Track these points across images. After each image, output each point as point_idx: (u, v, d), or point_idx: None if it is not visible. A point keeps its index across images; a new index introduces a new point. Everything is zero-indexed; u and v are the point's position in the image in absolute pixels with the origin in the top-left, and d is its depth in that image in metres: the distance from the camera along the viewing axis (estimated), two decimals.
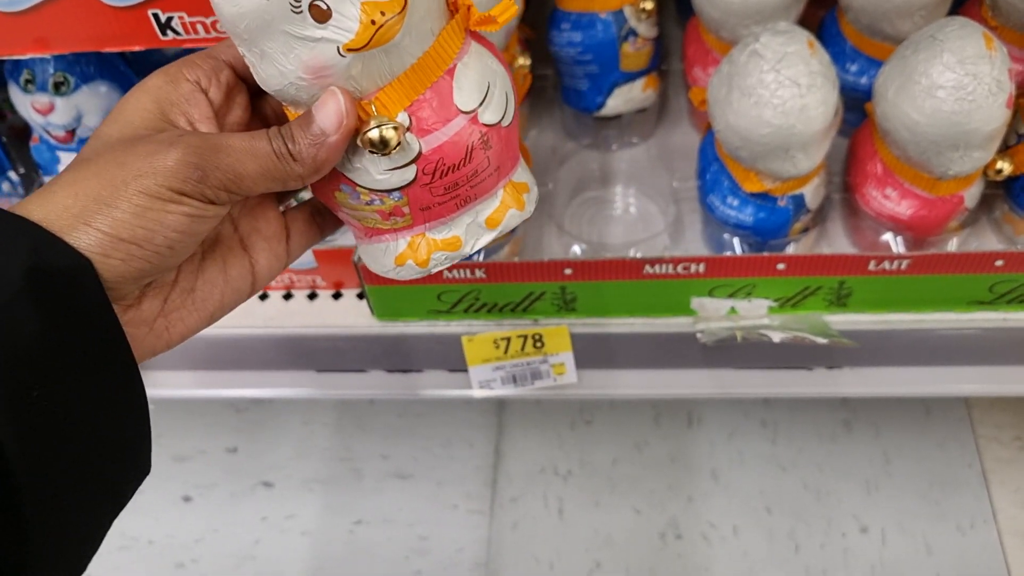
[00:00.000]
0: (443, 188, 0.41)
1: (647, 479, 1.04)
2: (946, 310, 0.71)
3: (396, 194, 0.41)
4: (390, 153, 0.39)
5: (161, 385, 0.81)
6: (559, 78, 0.81)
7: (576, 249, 0.74)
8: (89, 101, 0.71)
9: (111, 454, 0.36)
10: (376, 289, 0.71)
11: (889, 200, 0.68)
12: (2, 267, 0.32)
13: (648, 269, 0.68)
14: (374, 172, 0.40)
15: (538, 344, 0.73)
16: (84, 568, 0.36)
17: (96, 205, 0.35)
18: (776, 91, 0.60)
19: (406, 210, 0.42)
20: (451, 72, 0.40)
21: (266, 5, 0.35)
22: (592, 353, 0.74)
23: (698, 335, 0.69)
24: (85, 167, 0.36)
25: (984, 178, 0.68)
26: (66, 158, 0.74)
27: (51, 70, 0.69)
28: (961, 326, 0.71)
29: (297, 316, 0.76)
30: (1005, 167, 0.66)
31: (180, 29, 0.54)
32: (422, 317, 0.74)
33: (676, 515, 1.01)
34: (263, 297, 0.78)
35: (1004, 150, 0.68)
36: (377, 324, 0.74)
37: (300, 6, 0.35)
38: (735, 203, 0.68)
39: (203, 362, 0.81)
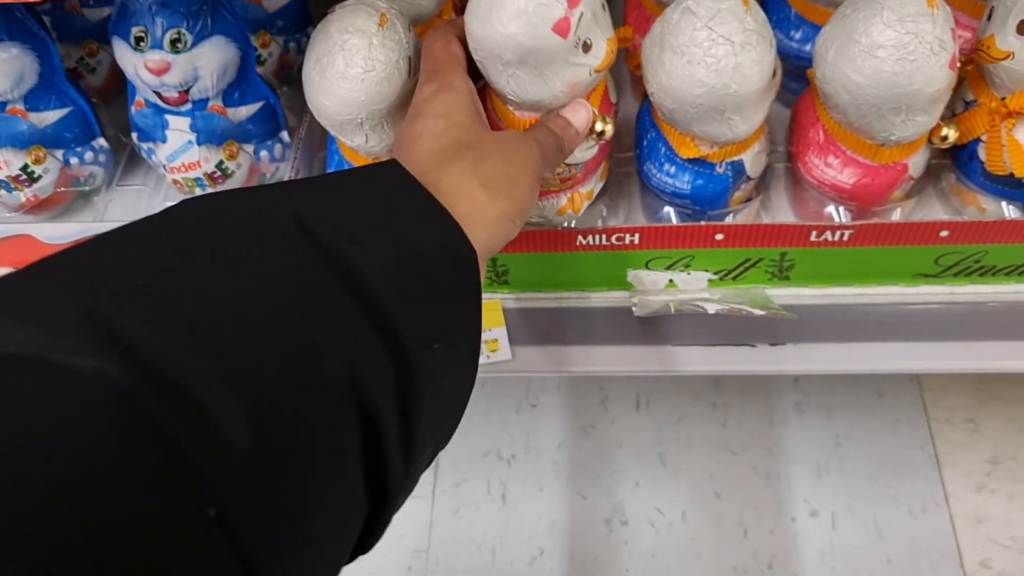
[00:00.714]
0: (601, 157, 0.64)
1: (593, 464, 1.01)
2: (891, 283, 0.69)
3: (579, 165, 0.62)
4: (602, 139, 0.60)
5: None
6: None
7: None
8: (206, 58, 0.65)
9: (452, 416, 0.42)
10: None
11: (831, 168, 0.65)
12: (427, 243, 0.40)
13: (581, 240, 0.65)
14: (577, 152, 0.60)
15: None
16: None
17: (508, 182, 0.47)
18: (709, 49, 0.57)
19: (579, 175, 0.63)
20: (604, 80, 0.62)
21: (564, 43, 0.52)
22: (526, 329, 0.71)
23: (633, 308, 0.66)
24: (480, 153, 0.47)
25: (929, 146, 0.65)
26: (175, 122, 0.68)
27: (165, 25, 0.63)
28: (906, 300, 0.69)
29: None
30: (950, 134, 0.64)
31: None
32: None
33: (622, 500, 0.99)
34: None
35: (950, 118, 0.66)
36: None
37: (579, 42, 0.53)
38: (672, 170, 0.65)
39: None
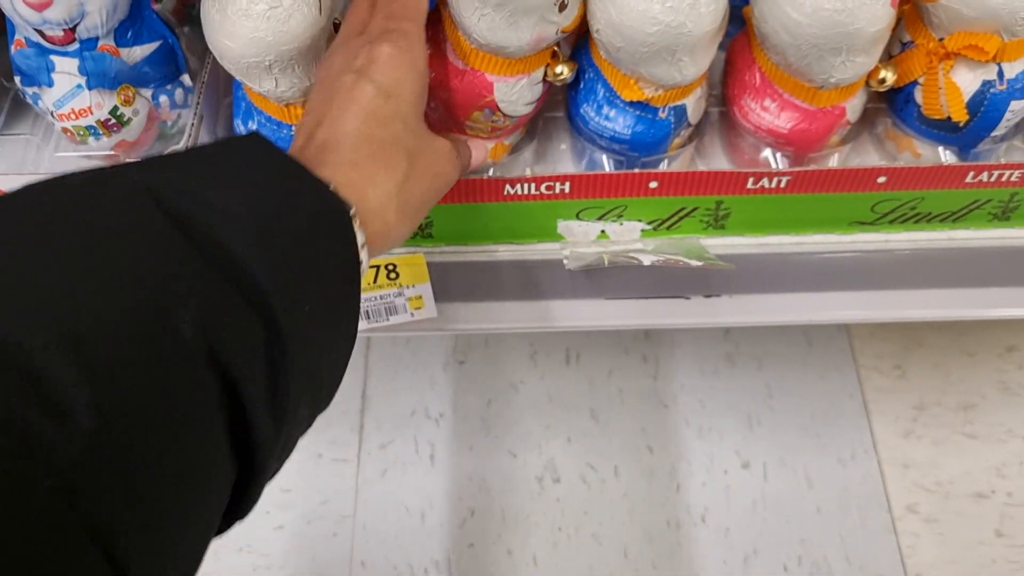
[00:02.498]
0: (536, 111, 0.63)
1: (523, 421, 0.99)
2: (827, 231, 0.67)
3: (514, 118, 0.61)
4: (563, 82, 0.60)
5: None
6: None
7: None
8: None
9: (332, 374, 0.41)
10: None
11: (768, 112, 0.63)
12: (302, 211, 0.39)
13: (509, 189, 0.61)
14: (520, 105, 0.60)
15: (392, 275, 0.66)
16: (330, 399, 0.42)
17: (420, 209, 0.48)
18: None
19: (511, 126, 0.62)
20: None
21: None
22: (452, 284, 0.68)
23: (564, 261, 0.63)
24: (411, 172, 0.46)
25: (867, 89, 0.63)
26: (61, 64, 0.61)
27: None
28: (843, 248, 0.68)
29: None
30: (888, 76, 0.62)
31: None
32: None
33: (554, 457, 0.97)
34: None
35: (887, 59, 0.64)
36: None
37: (558, 2, 0.54)
38: (611, 114, 0.62)
39: None
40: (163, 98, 0.66)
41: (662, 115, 0.61)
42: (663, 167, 0.65)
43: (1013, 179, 0.63)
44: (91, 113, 0.62)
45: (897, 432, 0.99)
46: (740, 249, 0.67)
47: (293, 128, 0.60)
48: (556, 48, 0.60)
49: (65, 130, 0.63)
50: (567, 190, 0.62)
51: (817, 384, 1.02)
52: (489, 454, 0.97)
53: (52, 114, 0.62)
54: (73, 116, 0.62)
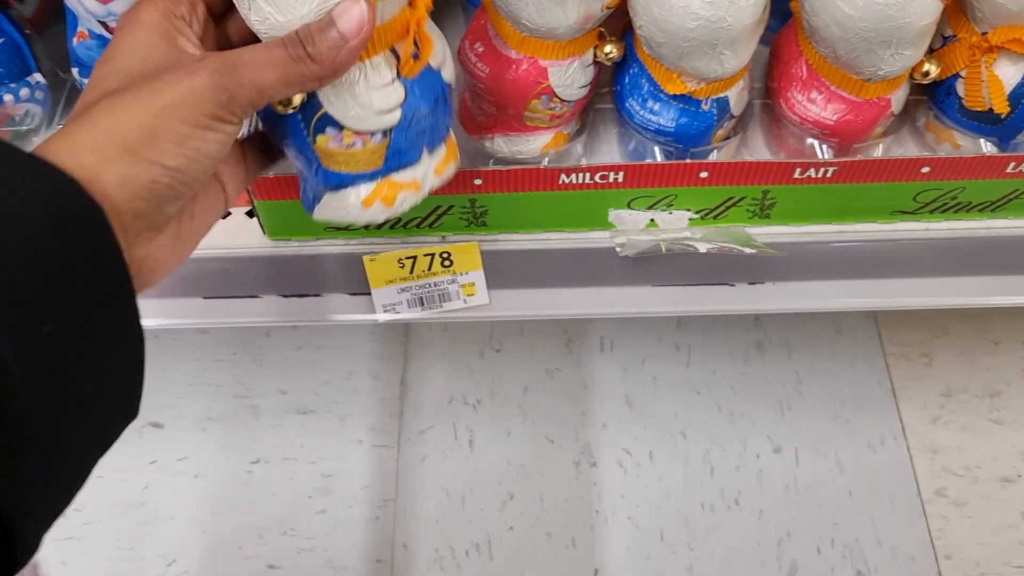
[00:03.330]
0: (590, 95, 0.62)
1: (560, 407, 1.01)
2: (870, 220, 0.69)
3: (571, 103, 0.60)
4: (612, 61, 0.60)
5: None
6: None
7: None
8: None
9: (107, 394, 0.36)
10: (268, 205, 0.65)
11: (814, 104, 0.64)
12: (28, 208, 0.33)
13: (564, 179, 0.63)
14: (574, 88, 0.60)
15: (446, 263, 0.68)
16: (67, 505, 0.36)
17: (141, 135, 0.36)
18: None
19: (568, 113, 0.61)
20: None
21: None
22: (504, 272, 0.69)
23: (618, 249, 0.65)
24: (117, 100, 0.37)
25: (910, 82, 0.65)
26: None
27: None
28: (884, 236, 0.69)
29: None
30: (932, 69, 0.63)
31: None
32: (319, 236, 0.68)
33: (590, 442, 0.99)
34: None
35: (929, 53, 0.65)
36: (270, 244, 0.68)
37: None
38: (655, 107, 0.63)
39: None
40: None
41: (705, 107, 0.63)
42: (712, 157, 0.67)
43: None
44: None
45: (925, 418, 1.01)
46: (784, 238, 0.68)
47: None
48: (602, 29, 0.62)
49: None
50: (620, 180, 0.63)
51: (846, 371, 1.04)
52: (527, 439, 0.99)
53: None
54: None
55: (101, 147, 0.36)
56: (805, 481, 0.97)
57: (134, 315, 0.37)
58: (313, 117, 0.45)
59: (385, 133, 0.46)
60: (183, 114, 0.37)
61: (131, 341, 0.37)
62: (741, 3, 0.56)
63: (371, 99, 0.45)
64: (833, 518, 0.95)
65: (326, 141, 0.46)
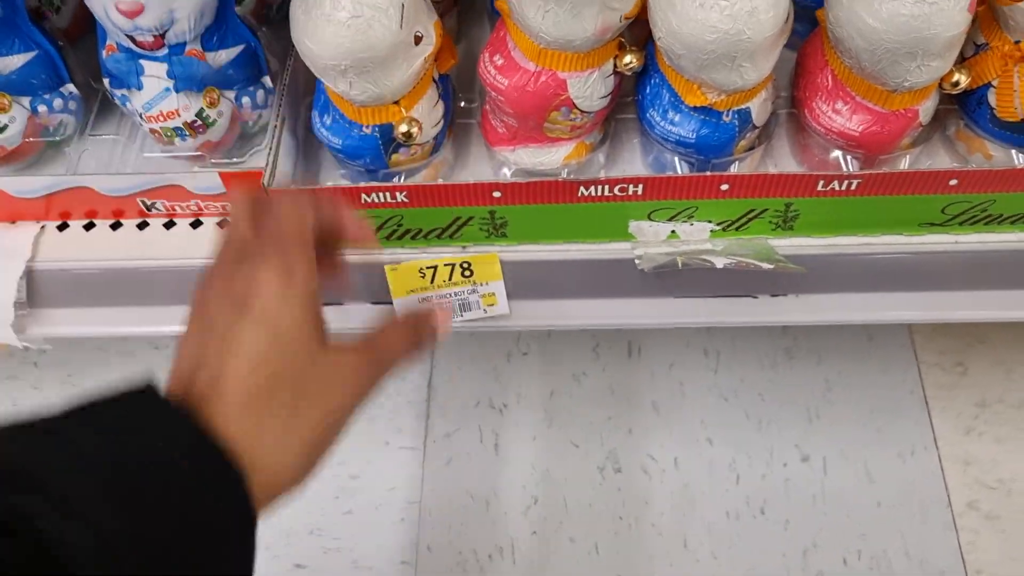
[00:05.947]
0: (611, 106, 0.65)
1: (586, 412, 1.01)
2: (896, 232, 0.68)
3: (591, 114, 0.63)
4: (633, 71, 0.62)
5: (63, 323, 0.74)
6: None
7: (506, 171, 0.69)
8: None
9: None
10: None
11: (839, 115, 0.64)
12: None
13: (583, 191, 0.63)
14: (595, 100, 0.62)
15: (467, 273, 0.68)
16: None
17: (320, 444, 0.41)
18: None
19: (589, 124, 0.65)
20: None
21: None
22: (524, 282, 0.69)
23: (636, 261, 0.65)
24: (291, 402, 0.40)
25: (939, 91, 0.64)
26: (150, 68, 0.63)
27: None
28: (911, 249, 0.68)
29: (208, 245, 0.70)
30: (962, 79, 0.62)
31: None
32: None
33: (615, 448, 0.98)
34: (169, 225, 0.72)
35: (960, 62, 0.64)
36: None
37: None
38: (676, 118, 0.63)
39: (107, 298, 0.75)
40: (245, 99, 0.68)
41: (726, 119, 0.62)
42: (734, 168, 0.66)
43: None
44: (178, 115, 0.65)
45: (958, 429, 0.99)
46: (808, 250, 0.68)
47: (364, 128, 0.62)
48: (622, 39, 0.61)
49: (153, 131, 0.66)
50: (640, 192, 0.63)
51: (877, 379, 1.02)
52: (552, 444, 0.99)
53: (141, 116, 0.65)
54: (161, 118, 0.65)
55: (289, 455, 0.39)
56: (833, 491, 0.95)
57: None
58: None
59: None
60: (345, 415, 0.42)
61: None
62: (760, 16, 0.55)
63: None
64: (861, 529, 0.93)
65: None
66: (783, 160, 0.71)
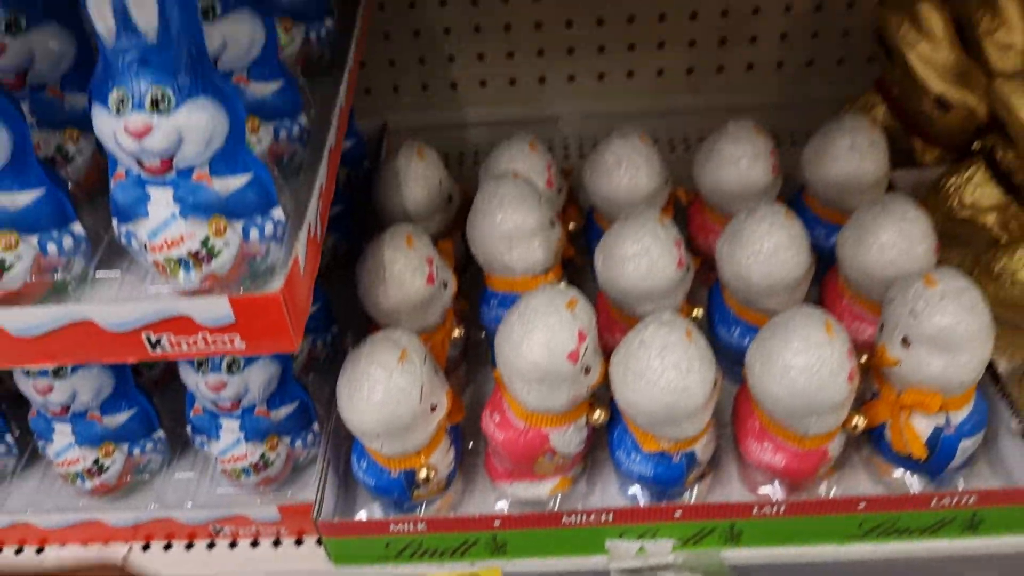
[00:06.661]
0: (587, 448, 0.83)
1: None
2: (826, 543, 0.82)
3: (571, 455, 0.79)
4: (600, 423, 0.81)
5: None
6: (489, 344, 0.94)
7: (503, 503, 0.85)
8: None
9: None
10: (333, 540, 0.81)
11: (766, 452, 0.79)
12: None
13: (566, 519, 0.79)
14: (573, 445, 0.80)
15: None
16: None
17: None
18: (662, 374, 0.72)
19: (570, 463, 0.81)
20: None
21: (574, 368, 0.74)
22: None
23: (611, 573, 0.79)
24: None
25: (845, 431, 0.80)
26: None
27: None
28: (840, 557, 0.82)
29: (262, 563, 0.85)
30: (860, 423, 0.78)
31: (168, 346, 0.66)
32: (374, 562, 0.83)
33: None
34: (232, 545, 0.87)
35: (860, 407, 0.81)
36: (335, 570, 0.83)
37: (584, 367, 0.76)
38: (637, 459, 0.79)
39: None
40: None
41: (676, 460, 0.78)
42: (687, 497, 0.82)
43: (971, 502, 0.78)
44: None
45: None
46: (756, 559, 0.82)
47: (392, 473, 0.78)
48: (592, 399, 0.79)
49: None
50: (611, 519, 0.79)
51: None
52: None
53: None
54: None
55: None
56: None
57: None
58: None
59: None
60: None
61: None
62: (692, 390, 0.73)
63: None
64: None
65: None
66: (730, 485, 0.86)
